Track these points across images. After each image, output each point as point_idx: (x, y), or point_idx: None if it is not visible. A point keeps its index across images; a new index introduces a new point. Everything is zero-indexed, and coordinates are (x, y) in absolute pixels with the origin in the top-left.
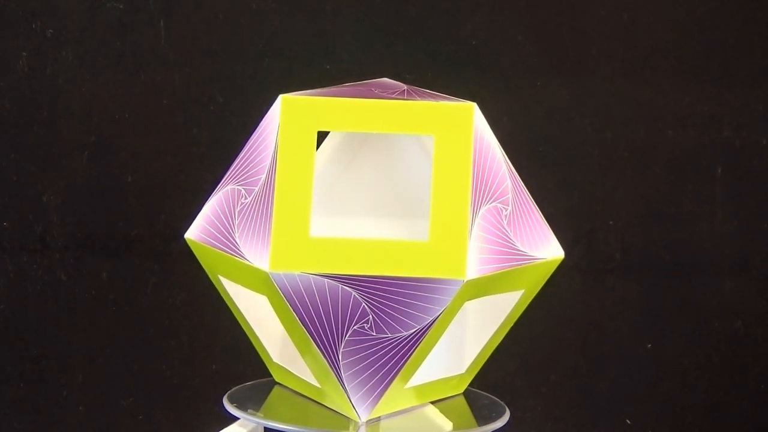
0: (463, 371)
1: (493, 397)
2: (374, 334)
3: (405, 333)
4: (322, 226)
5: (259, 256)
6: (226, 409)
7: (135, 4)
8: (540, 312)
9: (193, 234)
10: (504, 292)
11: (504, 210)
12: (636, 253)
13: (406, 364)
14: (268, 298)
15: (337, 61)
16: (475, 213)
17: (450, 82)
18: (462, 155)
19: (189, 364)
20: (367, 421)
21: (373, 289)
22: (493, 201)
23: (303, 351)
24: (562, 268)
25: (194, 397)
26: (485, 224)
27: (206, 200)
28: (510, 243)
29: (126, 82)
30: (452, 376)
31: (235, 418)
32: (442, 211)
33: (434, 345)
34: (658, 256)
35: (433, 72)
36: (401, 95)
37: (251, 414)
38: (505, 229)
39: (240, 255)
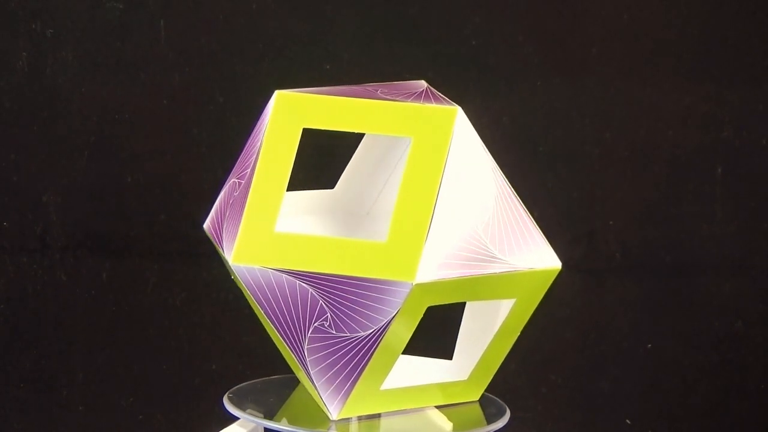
0: (466, 378)
1: (493, 396)
2: (334, 332)
3: (363, 333)
4: (354, 226)
5: (229, 249)
6: (226, 409)
7: (135, 4)
8: (540, 312)
9: (205, 224)
10: (486, 299)
11: (481, 216)
12: (636, 253)
13: (370, 365)
14: (243, 290)
15: (337, 61)
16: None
17: (450, 82)
18: (436, 158)
19: (189, 364)
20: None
21: (329, 287)
22: (469, 206)
23: (278, 346)
24: (562, 267)
25: (194, 397)
26: (452, 229)
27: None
28: (484, 250)
29: (126, 82)
30: (453, 382)
31: (235, 418)
32: (404, 213)
33: (400, 347)
34: (658, 256)
35: (433, 72)
36: (399, 97)
37: (251, 414)
38: (479, 236)
39: (222, 246)
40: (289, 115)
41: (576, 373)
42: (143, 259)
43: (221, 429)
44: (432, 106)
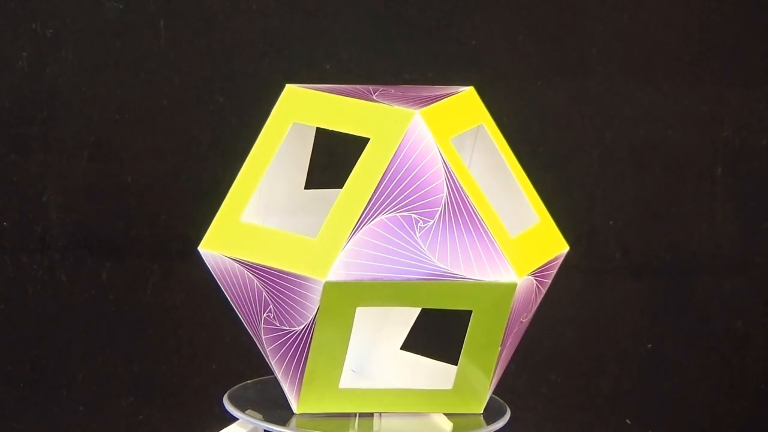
0: (450, 387)
1: (493, 396)
2: (278, 324)
3: (298, 328)
4: None
5: None
6: (226, 409)
7: (135, 4)
8: (540, 311)
9: None
10: (434, 307)
11: (421, 222)
12: (636, 253)
13: (310, 361)
14: None
15: (337, 61)
16: (368, 218)
17: (450, 82)
18: (381, 159)
19: (189, 364)
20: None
21: (268, 279)
22: (408, 211)
23: None
24: (563, 268)
25: (194, 397)
26: (381, 231)
27: None
28: (419, 255)
29: (126, 82)
30: (437, 390)
31: (235, 418)
32: (339, 211)
33: (339, 346)
34: (658, 256)
35: (433, 72)
36: (402, 100)
37: (251, 414)
38: (415, 241)
39: None
40: (282, 109)
41: (576, 373)
42: (143, 259)
43: (221, 429)
44: (390, 107)
